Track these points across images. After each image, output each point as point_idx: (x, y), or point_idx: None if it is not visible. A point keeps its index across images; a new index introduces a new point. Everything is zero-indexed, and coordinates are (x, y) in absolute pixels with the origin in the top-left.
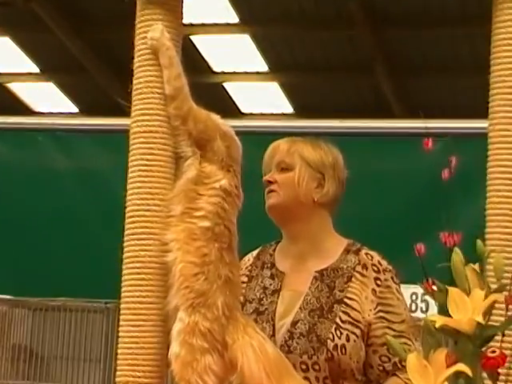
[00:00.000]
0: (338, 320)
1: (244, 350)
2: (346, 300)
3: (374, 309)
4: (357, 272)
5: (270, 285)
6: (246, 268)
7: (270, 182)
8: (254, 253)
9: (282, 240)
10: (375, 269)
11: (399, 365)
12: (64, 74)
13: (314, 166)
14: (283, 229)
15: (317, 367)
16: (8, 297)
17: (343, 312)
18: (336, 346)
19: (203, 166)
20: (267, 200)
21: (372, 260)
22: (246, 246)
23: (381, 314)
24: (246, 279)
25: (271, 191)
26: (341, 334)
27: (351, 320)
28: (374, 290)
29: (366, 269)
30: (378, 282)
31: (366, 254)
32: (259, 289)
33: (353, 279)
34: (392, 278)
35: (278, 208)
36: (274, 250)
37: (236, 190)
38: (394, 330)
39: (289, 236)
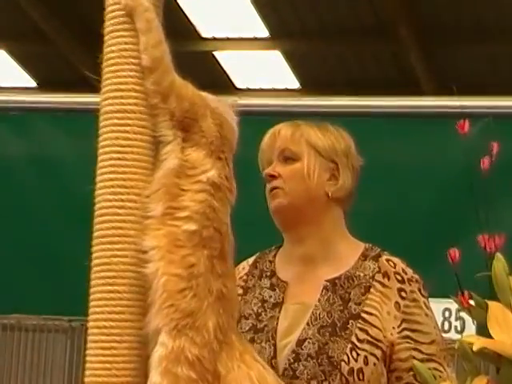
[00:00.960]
0: (353, 339)
1: (240, 382)
2: (363, 315)
3: (398, 326)
4: (376, 281)
5: (270, 297)
6: (241, 278)
7: (273, 177)
8: (250, 260)
9: (283, 244)
10: (399, 278)
11: None
12: (19, 40)
13: (325, 154)
14: (288, 232)
15: None
16: None
17: (360, 329)
18: (352, 370)
19: (187, 153)
20: (271, 200)
21: (395, 268)
22: (242, 252)
23: (406, 332)
24: (240, 291)
25: (275, 188)
26: (357, 355)
27: (370, 339)
28: (397, 303)
29: (388, 278)
30: (403, 294)
31: (388, 260)
32: (257, 302)
33: (372, 290)
34: (419, 289)
35: (287, 210)
36: (275, 256)
37: (227, 182)
38: (422, 353)
39: (294, 239)
